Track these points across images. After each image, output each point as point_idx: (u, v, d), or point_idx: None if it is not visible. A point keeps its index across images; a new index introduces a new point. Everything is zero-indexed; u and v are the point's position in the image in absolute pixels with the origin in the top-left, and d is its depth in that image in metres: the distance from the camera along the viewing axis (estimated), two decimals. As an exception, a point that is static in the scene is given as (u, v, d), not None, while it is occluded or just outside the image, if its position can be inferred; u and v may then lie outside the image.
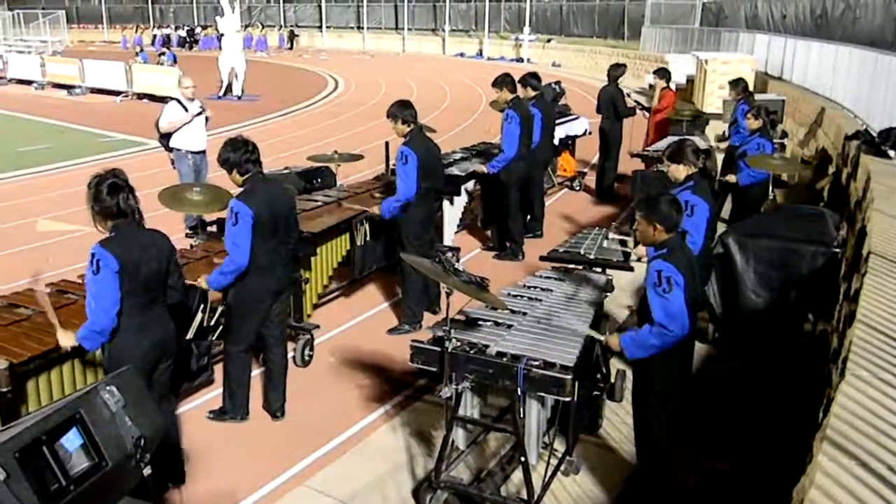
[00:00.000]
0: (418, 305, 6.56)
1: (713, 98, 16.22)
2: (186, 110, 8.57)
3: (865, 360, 3.12)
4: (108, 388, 2.71)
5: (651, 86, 13.93)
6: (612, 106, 10.37)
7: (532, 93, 8.64)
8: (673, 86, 11.23)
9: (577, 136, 11.51)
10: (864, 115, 10.49)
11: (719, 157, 9.47)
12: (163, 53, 27.77)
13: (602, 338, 4.17)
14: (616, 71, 10.61)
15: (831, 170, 9.82)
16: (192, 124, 8.60)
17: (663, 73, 10.82)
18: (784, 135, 11.30)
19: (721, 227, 6.99)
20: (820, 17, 16.46)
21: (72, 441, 2.51)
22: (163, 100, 19.87)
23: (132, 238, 3.79)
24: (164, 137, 8.74)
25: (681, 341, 3.85)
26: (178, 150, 8.64)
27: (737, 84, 9.66)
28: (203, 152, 8.78)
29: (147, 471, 2.69)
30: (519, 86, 8.52)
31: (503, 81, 8.06)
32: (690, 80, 18.85)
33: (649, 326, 3.81)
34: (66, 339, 3.85)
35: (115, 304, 3.69)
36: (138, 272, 3.75)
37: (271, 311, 4.99)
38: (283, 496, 4.41)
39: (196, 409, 5.30)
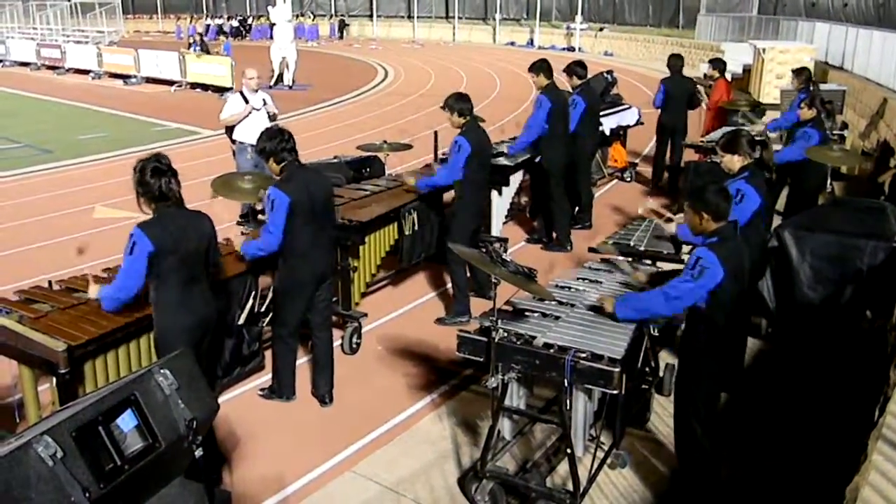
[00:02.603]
0: (467, 296, 6.57)
1: (770, 88, 15.84)
2: (248, 102, 8.53)
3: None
4: (161, 370, 2.78)
5: (706, 75, 13.68)
6: (689, 99, 10.20)
7: (577, 81, 8.56)
8: (728, 76, 10.99)
9: (628, 127, 11.36)
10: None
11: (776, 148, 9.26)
12: (200, 43, 26.50)
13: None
14: (679, 61, 10.42)
15: (893, 163, 9.52)
16: (253, 118, 8.44)
17: (717, 64, 10.63)
18: (844, 126, 10.98)
19: (776, 220, 6.84)
20: (882, 5, 15.95)
21: (127, 422, 2.57)
22: (218, 90, 20.33)
23: (172, 220, 3.96)
24: (228, 129, 8.72)
25: (727, 336, 3.81)
26: (241, 142, 8.53)
27: (800, 73, 9.43)
28: None
29: (199, 452, 2.75)
30: (564, 74, 8.46)
31: (540, 67, 7.98)
32: (747, 70, 18.42)
33: (658, 289, 3.88)
34: (92, 291, 4.32)
35: (137, 284, 3.98)
36: (177, 251, 3.91)
37: (315, 297, 5.06)
38: (330, 481, 4.46)
39: (247, 393, 5.40)
